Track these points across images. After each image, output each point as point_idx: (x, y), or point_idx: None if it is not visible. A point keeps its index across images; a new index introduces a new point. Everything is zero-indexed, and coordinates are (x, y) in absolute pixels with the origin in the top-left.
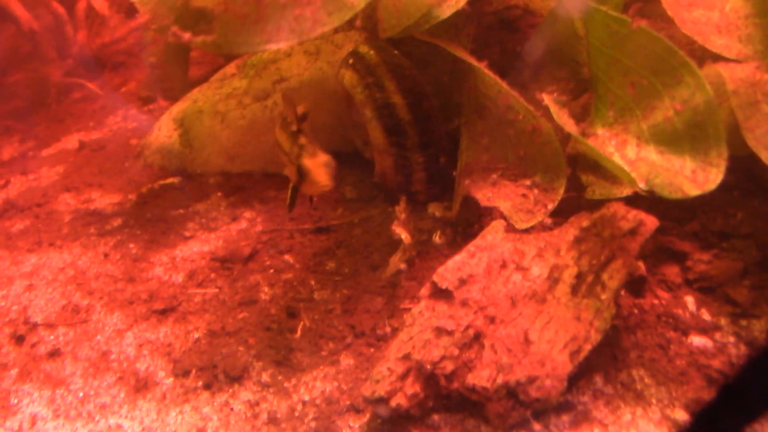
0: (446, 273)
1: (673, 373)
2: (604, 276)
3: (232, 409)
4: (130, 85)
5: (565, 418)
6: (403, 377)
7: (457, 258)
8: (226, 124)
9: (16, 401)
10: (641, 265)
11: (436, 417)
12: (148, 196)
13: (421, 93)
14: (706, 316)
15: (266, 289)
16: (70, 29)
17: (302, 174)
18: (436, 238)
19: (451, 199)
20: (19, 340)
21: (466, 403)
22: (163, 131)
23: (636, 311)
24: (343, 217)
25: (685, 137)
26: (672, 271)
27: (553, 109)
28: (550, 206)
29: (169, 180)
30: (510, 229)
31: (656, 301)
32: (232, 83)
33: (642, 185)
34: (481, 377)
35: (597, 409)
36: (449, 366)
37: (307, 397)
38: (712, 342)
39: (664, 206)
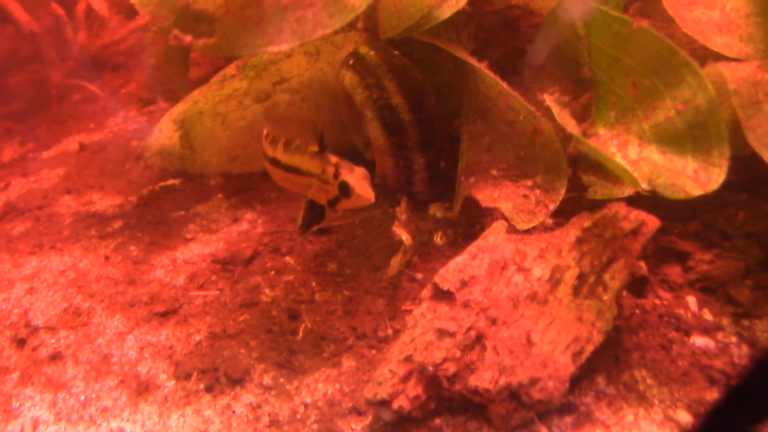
0: (447, 274)
1: (676, 374)
2: (606, 276)
3: (233, 411)
4: (130, 86)
5: (568, 419)
6: (405, 379)
7: (459, 259)
8: (226, 126)
9: (17, 405)
10: (643, 265)
11: (438, 419)
12: (148, 197)
13: (421, 93)
14: (708, 316)
15: (267, 290)
16: (70, 31)
17: (345, 191)
18: (437, 239)
19: (452, 200)
20: (20, 343)
21: (469, 405)
22: (164, 133)
23: (638, 312)
24: (344, 218)
25: (687, 137)
26: (674, 271)
27: (555, 109)
28: (552, 207)
29: (170, 182)
30: (511, 229)
31: (658, 302)
32: (233, 84)
33: (644, 185)
34: (483, 379)
35: (599, 410)
36: (451, 368)
37: (308, 400)
38: (714, 342)
39: (666, 206)
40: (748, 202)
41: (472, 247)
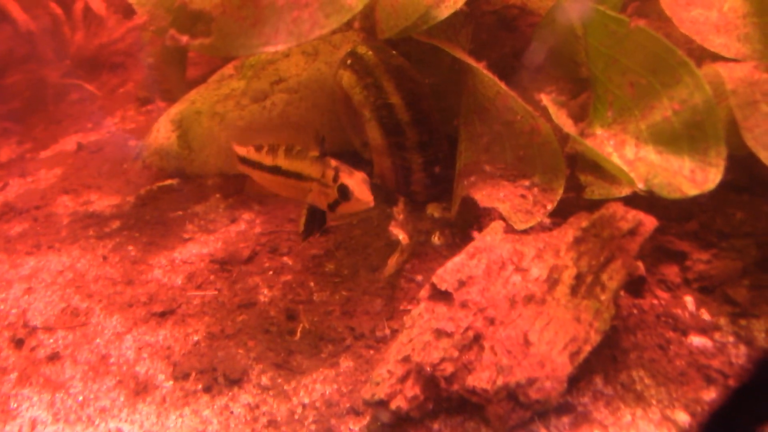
0: (445, 274)
1: (673, 374)
2: (604, 276)
3: (231, 412)
4: (128, 86)
5: (566, 419)
6: (403, 379)
7: (457, 259)
8: (224, 126)
9: (15, 405)
10: (640, 265)
11: (436, 419)
12: (146, 197)
13: (419, 93)
14: (705, 316)
15: (265, 291)
16: (67, 30)
17: (344, 194)
18: (435, 239)
19: (450, 200)
20: (19, 343)
21: (466, 405)
22: (162, 132)
23: (635, 311)
24: (342, 218)
25: (684, 137)
26: (671, 271)
27: (552, 109)
28: (549, 207)
29: (168, 182)
30: (509, 229)
31: (656, 302)
32: (230, 84)
33: (641, 185)
34: (481, 379)
35: (597, 411)
36: (449, 368)
37: (306, 400)
38: (712, 342)
39: (663, 206)
40: (746, 202)
41: (470, 248)
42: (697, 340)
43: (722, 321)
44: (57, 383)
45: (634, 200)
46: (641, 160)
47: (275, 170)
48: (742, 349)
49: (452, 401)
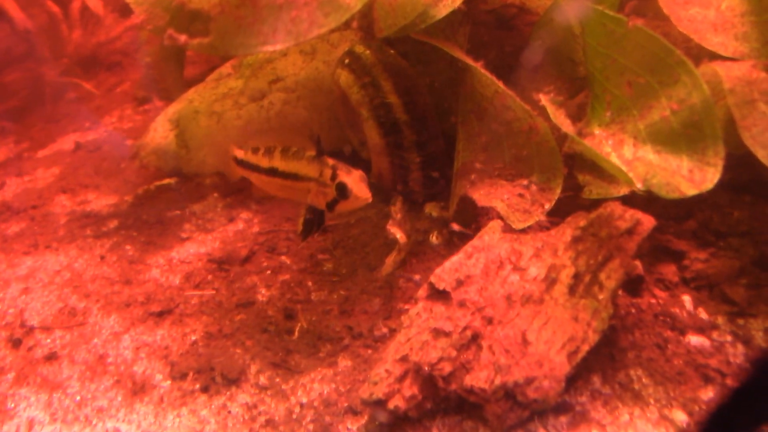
0: (443, 274)
1: (671, 373)
2: (602, 276)
3: (229, 412)
4: (125, 85)
5: (563, 418)
6: (401, 379)
7: (455, 259)
8: (222, 125)
9: (12, 405)
10: (638, 264)
11: (434, 419)
12: (144, 197)
13: (417, 93)
14: (703, 315)
15: (263, 290)
16: (65, 28)
17: (342, 192)
18: (433, 239)
19: (447, 199)
20: (16, 343)
21: (464, 405)
22: (159, 132)
23: (633, 311)
24: (340, 217)
25: (682, 136)
26: (669, 270)
27: (550, 108)
28: (547, 206)
29: (166, 181)
30: (507, 229)
31: (653, 301)
32: (228, 83)
33: (639, 185)
34: (479, 378)
35: (595, 410)
36: (447, 367)
37: (304, 400)
38: (710, 341)
39: (661, 205)
40: (743, 201)
41: (468, 247)
42: (694, 340)
43: (720, 320)
44: (54, 383)
45: (632, 200)
46: (639, 159)
47: (272, 172)
48: (740, 348)
49: (450, 401)
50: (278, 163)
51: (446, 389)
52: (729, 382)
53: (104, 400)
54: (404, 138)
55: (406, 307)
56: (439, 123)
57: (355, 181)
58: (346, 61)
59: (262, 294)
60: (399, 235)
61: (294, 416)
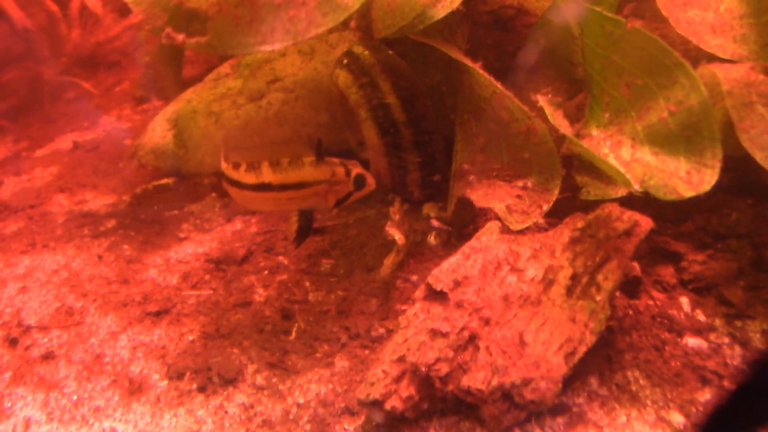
0: (441, 275)
1: (668, 375)
2: (599, 277)
3: (226, 412)
4: (124, 84)
5: (560, 420)
6: (398, 379)
7: (452, 259)
8: (220, 125)
9: (9, 405)
10: (636, 265)
11: (431, 420)
12: (142, 196)
13: (415, 93)
14: (700, 316)
15: (261, 290)
16: (64, 28)
17: (361, 184)
18: (431, 239)
19: (446, 200)
20: (13, 342)
21: (461, 406)
22: (158, 131)
23: (631, 312)
24: (338, 217)
25: (680, 138)
26: (667, 272)
27: (548, 110)
28: (545, 207)
29: (164, 181)
30: (505, 230)
31: (651, 302)
32: (227, 83)
33: (637, 186)
34: (476, 379)
35: (592, 411)
36: (444, 368)
37: (301, 400)
38: (707, 343)
39: (659, 207)
40: (741, 203)
41: (466, 248)
42: (692, 341)
43: (717, 322)
44: (51, 382)
45: (629, 201)
46: (637, 161)
47: (264, 187)
48: (737, 350)
49: (447, 401)
50: (271, 177)
51: (443, 390)
52: (726, 383)
53: (101, 399)
54: (402, 139)
55: (404, 307)
56: (437, 124)
57: (363, 170)
58: (345, 61)
59: (260, 294)
60: (398, 236)
61: (291, 416)
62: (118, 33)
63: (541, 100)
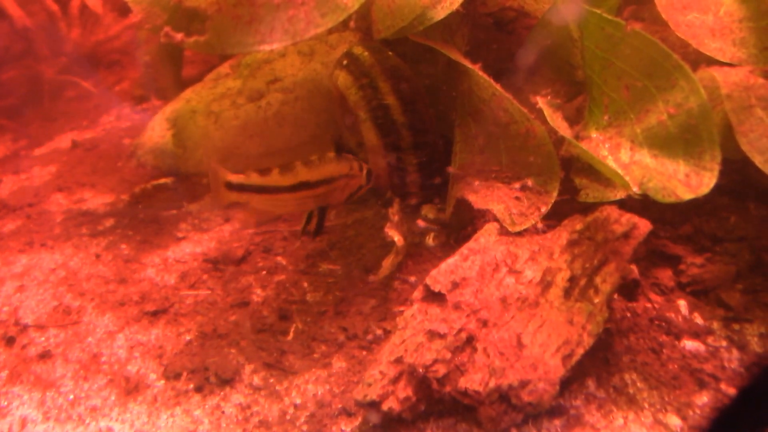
0: (439, 276)
1: (666, 377)
2: (597, 279)
3: (223, 412)
4: (124, 83)
5: (558, 422)
6: (395, 381)
7: (450, 261)
8: (219, 125)
9: (5, 403)
10: (634, 268)
11: (428, 421)
12: (140, 196)
13: (415, 94)
14: (698, 320)
15: (259, 291)
16: (63, 27)
17: (369, 178)
18: (430, 241)
19: (444, 202)
20: (10, 341)
21: (459, 407)
22: (157, 131)
23: (629, 315)
24: (336, 218)
25: (679, 141)
26: (665, 275)
27: (547, 111)
28: (544, 209)
29: (162, 180)
30: (503, 231)
31: (649, 305)
32: (226, 83)
33: (635, 189)
34: (473, 381)
35: (589, 414)
36: (441, 369)
37: (298, 401)
38: (705, 346)
39: (658, 209)
40: (740, 206)
41: (464, 249)
42: (690, 344)
43: (715, 325)
44: (48, 382)
45: (628, 203)
46: (636, 163)
47: (300, 187)
48: (735, 353)
49: (444, 403)
50: (306, 175)
51: (440, 391)
52: (724, 387)
53: (98, 399)
54: (402, 140)
55: (402, 308)
56: (436, 125)
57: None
58: (345, 62)
59: (258, 294)
60: (397, 237)
61: (288, 417)
62: (118, 32)
63: (541, 102)
